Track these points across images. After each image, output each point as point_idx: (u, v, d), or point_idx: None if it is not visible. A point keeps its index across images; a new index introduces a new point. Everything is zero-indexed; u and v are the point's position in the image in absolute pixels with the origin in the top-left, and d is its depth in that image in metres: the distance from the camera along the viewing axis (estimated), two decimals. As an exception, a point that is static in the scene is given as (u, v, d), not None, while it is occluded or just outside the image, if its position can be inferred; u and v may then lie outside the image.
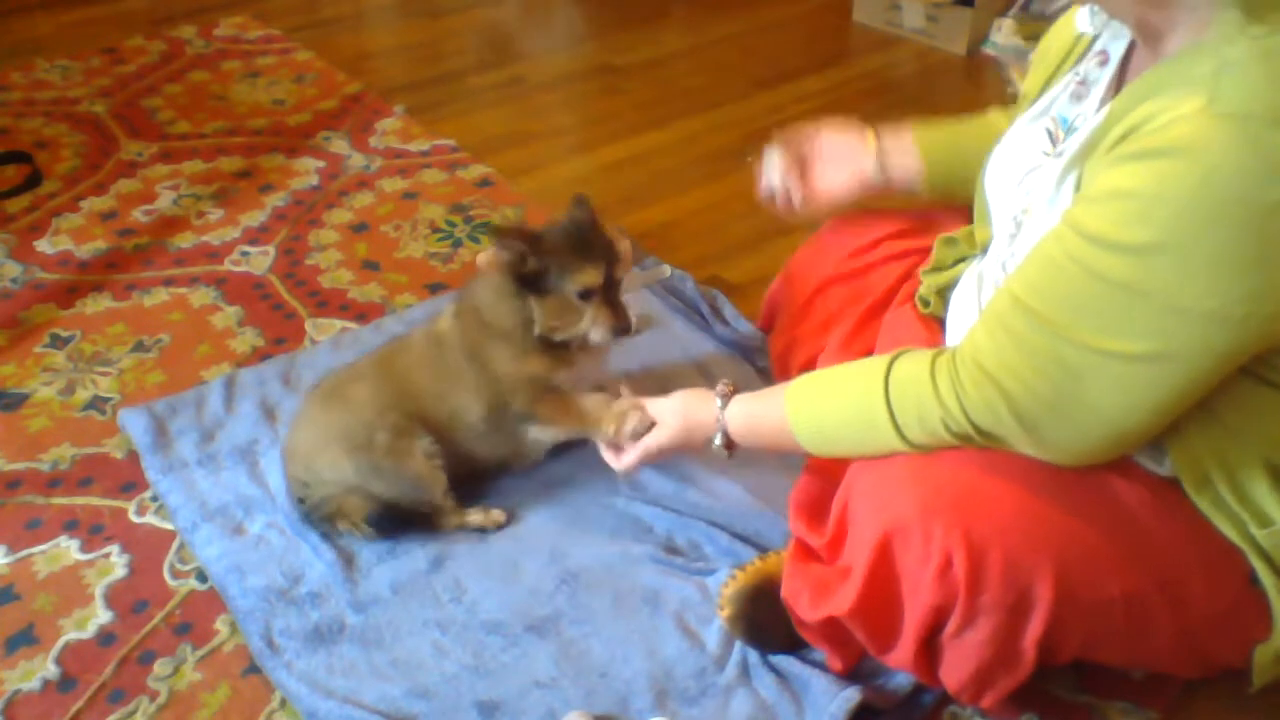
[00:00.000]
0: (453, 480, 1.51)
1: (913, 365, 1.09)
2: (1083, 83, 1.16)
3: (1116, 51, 1.12)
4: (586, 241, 1.41)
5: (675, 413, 1.32)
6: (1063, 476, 1.07)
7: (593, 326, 1.41)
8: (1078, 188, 1.02)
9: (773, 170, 1.39)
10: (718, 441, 1.27)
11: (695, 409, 1.30)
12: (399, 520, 1.49)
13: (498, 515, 1.52)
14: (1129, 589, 1.06)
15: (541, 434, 1.51)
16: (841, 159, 1.40)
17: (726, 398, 1.27)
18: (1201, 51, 0.91)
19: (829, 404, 1.17)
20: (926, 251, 1.43)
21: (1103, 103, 1.10)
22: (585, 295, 1.40)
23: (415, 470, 1.48)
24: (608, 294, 1.41)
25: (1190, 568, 1.07)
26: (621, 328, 1.42)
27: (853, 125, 1.36)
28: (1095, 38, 1.17)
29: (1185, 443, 1.04)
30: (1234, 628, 1.12)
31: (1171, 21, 0.96)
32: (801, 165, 1.41)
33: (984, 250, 1.27)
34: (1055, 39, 1.24)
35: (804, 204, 1.41)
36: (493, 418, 1.50)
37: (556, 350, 1.46)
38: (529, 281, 1.40)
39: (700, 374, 1.81)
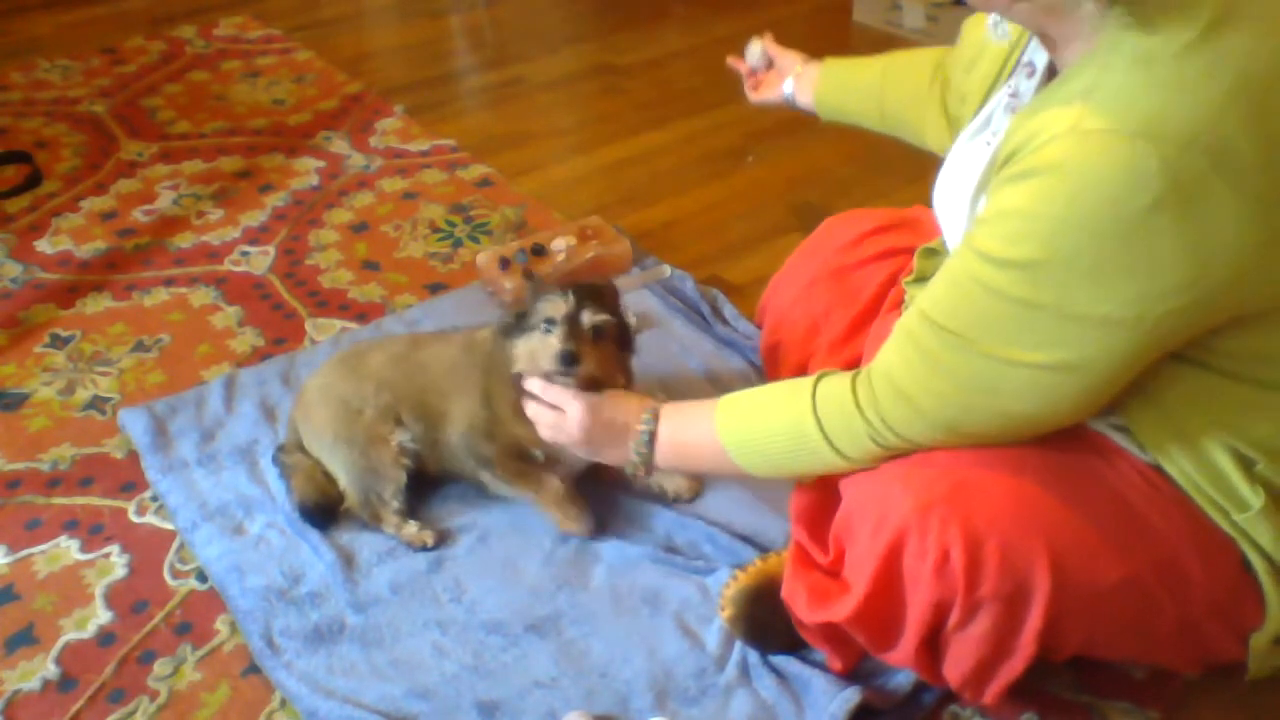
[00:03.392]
0: (417, 475, 1.53)
1: (836, 385, 1.13)
2: (1015, 95, 1.17)
3: (1041, 62, 1.13)
4: (566, 285, 1.40)
5: (587, 414, 1.32)
6: (1058, 466, 1.08)
7: (541, 352, 1.35)
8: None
9: (752, 58, 1.71)
10: (634, 456, 1.29)
11: (615, 415, 1.31)
12: (325, 517, 1.51)
13: (426, 535, 1.50)
14: (1128, 576, 1.06)
15: (493, 484, 1.53)
16: (779, 76, 1.66)
17: (650, 433, 1.28)
18: (1085, 65, 0.94)
19: (761, 422, 1.19)
20: (910, 251, 1.44)
21: None
22: (548, 326, 1.36)
23: (382, 458, 1.50)
24: (570, 326, 1.36)
25: (1188, 554, 1.08)
26: (562, 354, 1.33)
27: (800, 56, 1.64)
28: (1024, 49, 1.18)
29: (1150, 433, 1.06)
30: (1232, 616, 1.12)
31: (1068, 34, 0.98)
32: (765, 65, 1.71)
33: None
34: (987, 49, 1.25)
35: (754, 95, 1.71)
36: (469, 438, 1.51)
37: None
38: (515, 326, 1.41)
39: (700, 374, 1.81)
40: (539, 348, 1.37)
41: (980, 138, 1.21)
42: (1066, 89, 0.95)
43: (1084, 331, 0.94)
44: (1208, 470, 1.05)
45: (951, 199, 1.23)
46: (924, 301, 1.05)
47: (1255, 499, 1.05)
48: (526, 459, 1.50)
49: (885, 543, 1.08)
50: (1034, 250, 0.92)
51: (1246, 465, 1.05)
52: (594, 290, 1.42)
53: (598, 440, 1.33)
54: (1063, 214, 0.90)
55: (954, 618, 1.08)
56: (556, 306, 1.37)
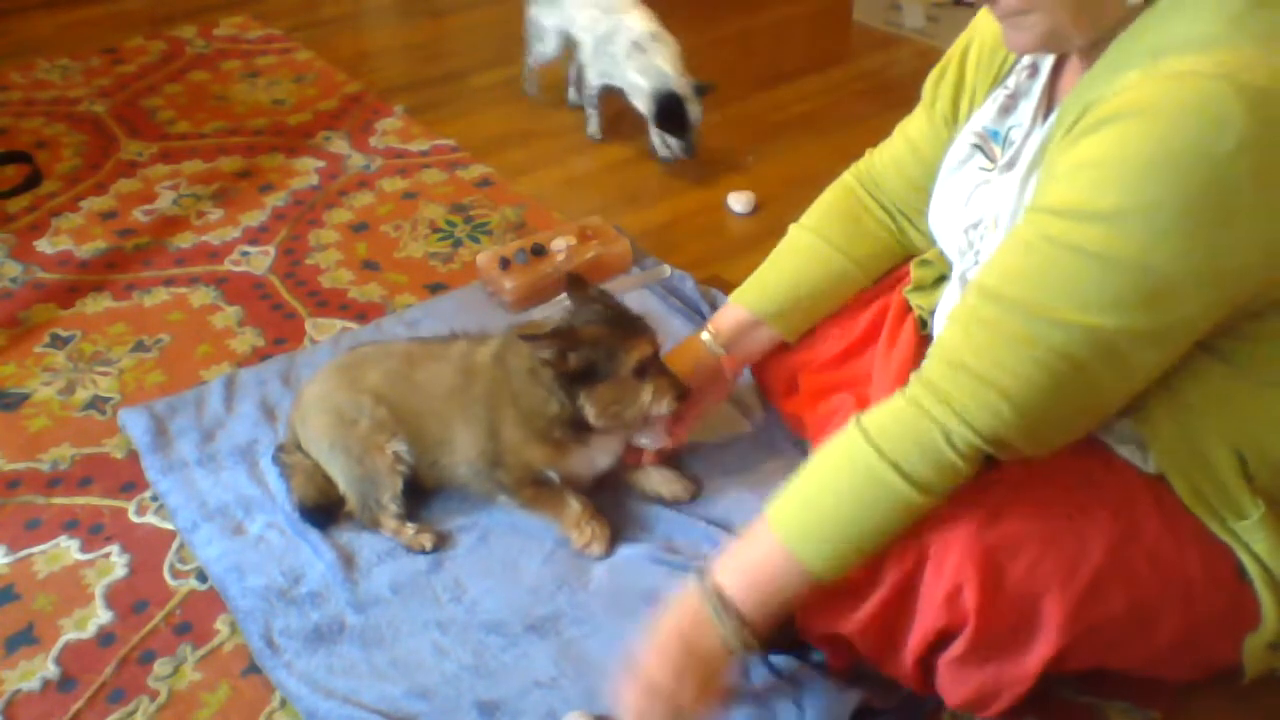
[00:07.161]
0: (414, 485, 1.52)
1: (882, 409, 1.04)
2: (1012, 95, 1.17)
3: (1046, 63, 1.13)
4: (625, 318, 1.40)
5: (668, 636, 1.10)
6: (1073, 495, 1.07)
7: (653, 400, 1.38)
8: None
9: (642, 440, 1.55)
10: (733, 645, 1.08)
11: (690, 620, 1.09)
12: (325, 517, 1.51)
13: (424, 539, 1.49)
14: (1136, 601, 1.06)
15: (510, 506, 1.51)
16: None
17: (712, 586, 1.08)
18: (1140, 32, 0.94)
19: (823, 501, 1.06)
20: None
21: (1036, 112, 1.13)
22: (641, 371, 1.37)
23: (378, 466, 1.49)
24: (657, 365, 1.39)
25: (1192, 568, 1.08)
26: (682, 394, 1.39)
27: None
28: (1009, 71, 1.19)
29: (1157, 434, 1.06)
30: (1230, 624, 1.12)
31: (1101, 17, 0.97)
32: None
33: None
34: (983, 61, 1.25)
35: (679, 436, 1.55)
36: (478, 467, 1.50)
37: (563, 440, 1.44)
38: (577, 376, 1.37)
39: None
40: (646, 399, 1.38)
41: (971, 163, 1.21)
42: (1125, 53, 0.94)
43: (1161, 289, 0.90)
44: (1212, 477, 1.05)
45: (951, 204, 1.24)
46: (985, 277, 1.00)
47: (1255, 510, 1.05)
48: (542, 482, 1.49)
49: (905, 564, 1.07)
50: (1119, 197, 0.89)
51: (1248, 477, 1.04)
52: (636, 314, 1.41)
53: (692, 670, 1.09)
54: (1149, 156, 0.88)
55: (958, 647, 1.07)
56: (646, 349, 1.37)
